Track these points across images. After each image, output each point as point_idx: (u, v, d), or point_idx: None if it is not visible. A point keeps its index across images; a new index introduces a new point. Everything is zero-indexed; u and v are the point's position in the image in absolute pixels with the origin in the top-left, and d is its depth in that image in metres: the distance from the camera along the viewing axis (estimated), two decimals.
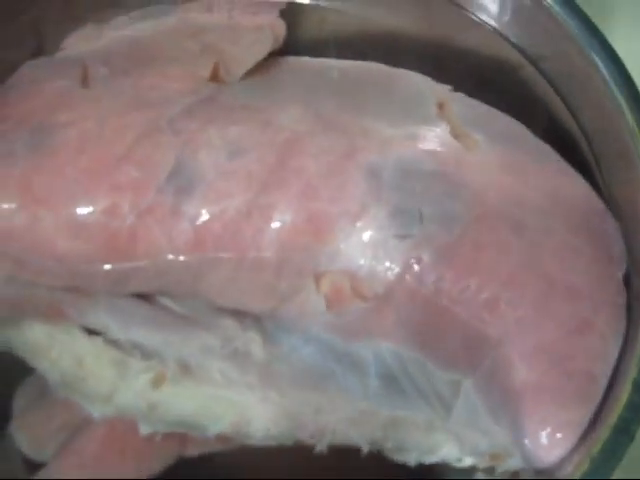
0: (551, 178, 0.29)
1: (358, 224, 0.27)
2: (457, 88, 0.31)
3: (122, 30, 0.33)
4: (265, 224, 0.27)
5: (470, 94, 0.31)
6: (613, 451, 0.24)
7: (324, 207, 0.27)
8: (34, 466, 0.30)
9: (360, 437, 0.28)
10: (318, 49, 0.34)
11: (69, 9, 0.34)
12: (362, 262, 0.27)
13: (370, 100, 0.31)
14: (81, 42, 0.33)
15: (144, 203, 0.27)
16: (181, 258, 0.27)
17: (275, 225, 0.27)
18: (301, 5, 0.35)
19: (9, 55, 0.33)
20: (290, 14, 0.33)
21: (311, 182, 0.28)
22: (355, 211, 0.27)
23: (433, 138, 0.29)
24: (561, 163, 0.30)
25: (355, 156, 0.28)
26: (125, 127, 0.28)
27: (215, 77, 0.31)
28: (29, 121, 0.29)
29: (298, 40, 0.34)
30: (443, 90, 0.31)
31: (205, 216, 0.27)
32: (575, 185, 0.29)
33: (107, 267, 0.27)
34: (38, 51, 0.33)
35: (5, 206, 0.27)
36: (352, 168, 0.28)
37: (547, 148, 0.30)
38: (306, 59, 0.33)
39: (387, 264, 0.27)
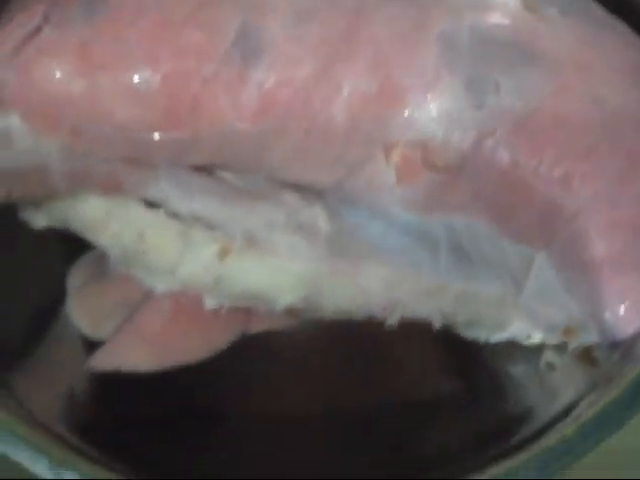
0: (629, 53, 0.28)
1: (431, 93, 0.26)
2: None
3: None
4: (334, 92, 0.26)
5: None
6: None
7: (396, 75, 0.26)
8: (92, 345, 0.29)
9: (431, 311, 0.27)
10: None
11: None
12: (435, 132, 0.26)
13: None
14: None
15: (209, 69, 0.26)
16: (246, 127, 0.26)
17: (345, 93, 0.26)
18: None
19: None
20: None
21: (383, 50, 0.26)
22: (429, 80, 0.26)
23: (506, 9, 0.28)
24: (637, 38, 0.29)
25: (427, 24, 0.27)
26: None
27: None
28: None
29: None
30: None
31: (273, 83, 0.26)
32: None
33: (168, 136, 0.26)
34: None
35: (62, 72, 0.26)
36: (425, 36, 0.27)
37: (620, 23, 0.29)
38: None
39: (461, 135, 0.26)
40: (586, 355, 0.27)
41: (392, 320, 0.27)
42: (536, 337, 0.28)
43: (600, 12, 0.29)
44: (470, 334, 0.28)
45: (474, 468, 0.22)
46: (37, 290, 0.31)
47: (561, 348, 0.28)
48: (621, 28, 0.29)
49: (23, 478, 0.23)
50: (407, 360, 0.30)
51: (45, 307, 0.31)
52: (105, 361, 0.29)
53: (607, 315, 0.26)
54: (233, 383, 0.29)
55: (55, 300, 0.30)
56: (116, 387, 0.28)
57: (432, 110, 0.26)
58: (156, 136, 0.27)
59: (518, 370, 0.29)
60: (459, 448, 0.26)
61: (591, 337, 0.27)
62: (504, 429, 0.26)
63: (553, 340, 0.28)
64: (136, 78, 0.26)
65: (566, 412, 0.24)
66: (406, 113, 0.26)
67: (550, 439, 0.22)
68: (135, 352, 0.28)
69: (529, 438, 0.23)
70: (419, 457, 0.26)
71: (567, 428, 0.23)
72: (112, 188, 0.28)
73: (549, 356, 0.28)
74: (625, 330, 0.25)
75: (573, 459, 0.22)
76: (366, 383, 0.29)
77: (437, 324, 0.27)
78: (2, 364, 0.28)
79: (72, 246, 0.30)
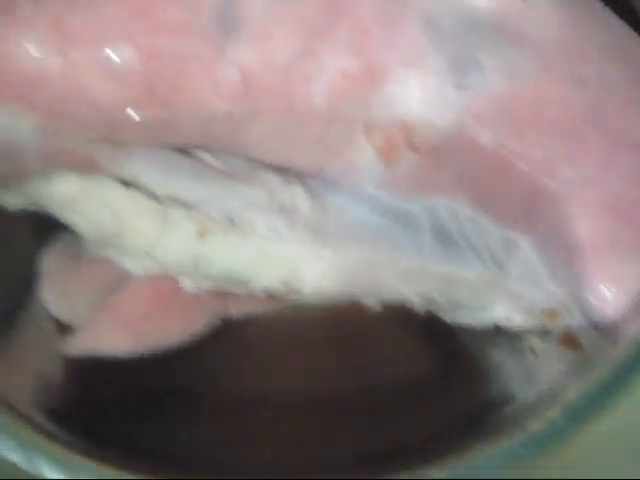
0: (612, 35, 0.28)
1: (415, 73, 0.26)
2: None
3: None
4: (315, 71, 0.26)
5: None
6: None
7: (379, 54, 0.26)
8: (65, 328, 0.29)
9: (412, 293, 0.27)
10: None
11: None
12: (417, 113, 0.26)
13: None
14: None
15: (188, 45, 0.25)
16: (226, 106, 0.26)
17: (325, 73, 0.26)
18: None
19: None
20: None
21: (365, 28, 0.26)
22: (412, 59, 0.26)
23: None
24: (619, 21, 0.29)
25: (411, 3, 0.26)
26: None
27: None
28: None
29: None
30: None
31: (252, 62, 0.25)
32: (637, 43, 0.28)
33: (146, 116, 0.26)
34: None
35: (35, 48, 0.25)
36: (408, 15, 0.26)
37: (602, 6, 0.29)
38: None
39: (444, 115, 0.26)
40: (568, 339, 0.27)
41: (373, 303, 0.27)
42: (519, 321, 0.28)
43: None
44: (451, 317, 0.28)
45: (453, 451, 0.22)
46: (7, 273, 0.30)
47: (544, 332, 0.28)
48: (607, 11, 0.29)
49: (22, 479, 0.22)
50: (388, 343, 0.30)
51: (16, 290, 0.30)
52: (81, 345, 0.28)
53: (592, 298, 0.25)
54: (214, 367, 0.29)
55: (26, 283, 0.30)
56: (91, 369, 0.27)
57: (414, 90, 0.26)
58: (133, 116, 0.26)
59: (500, 356, 0.29)
60: (439, 430, 0.26)
61: (574, 320, 0.27)
62: (483, 412, 0.25)
63: (536, 324, 0.28)
64: (113, 55, 0.25)
65: (549, 396, 0.24)
66: (388, 92, 0.26)
67: (535, 422, 0.22)
68: (112, 336, 0.27)
69: (510, 421, 0.23)
70: (398, 439, 0.26)
71: (552, 411, 0.22)
72: (87, 167, 0.27)
73: (532, 341, 0.28)
74: (609, 313, 0.25)
75: (560, 442, 0.22)
76: (346, 366, 0.29)
77: (418, 307, 0.27)
78: None
79: (43, 228, 0.29)
